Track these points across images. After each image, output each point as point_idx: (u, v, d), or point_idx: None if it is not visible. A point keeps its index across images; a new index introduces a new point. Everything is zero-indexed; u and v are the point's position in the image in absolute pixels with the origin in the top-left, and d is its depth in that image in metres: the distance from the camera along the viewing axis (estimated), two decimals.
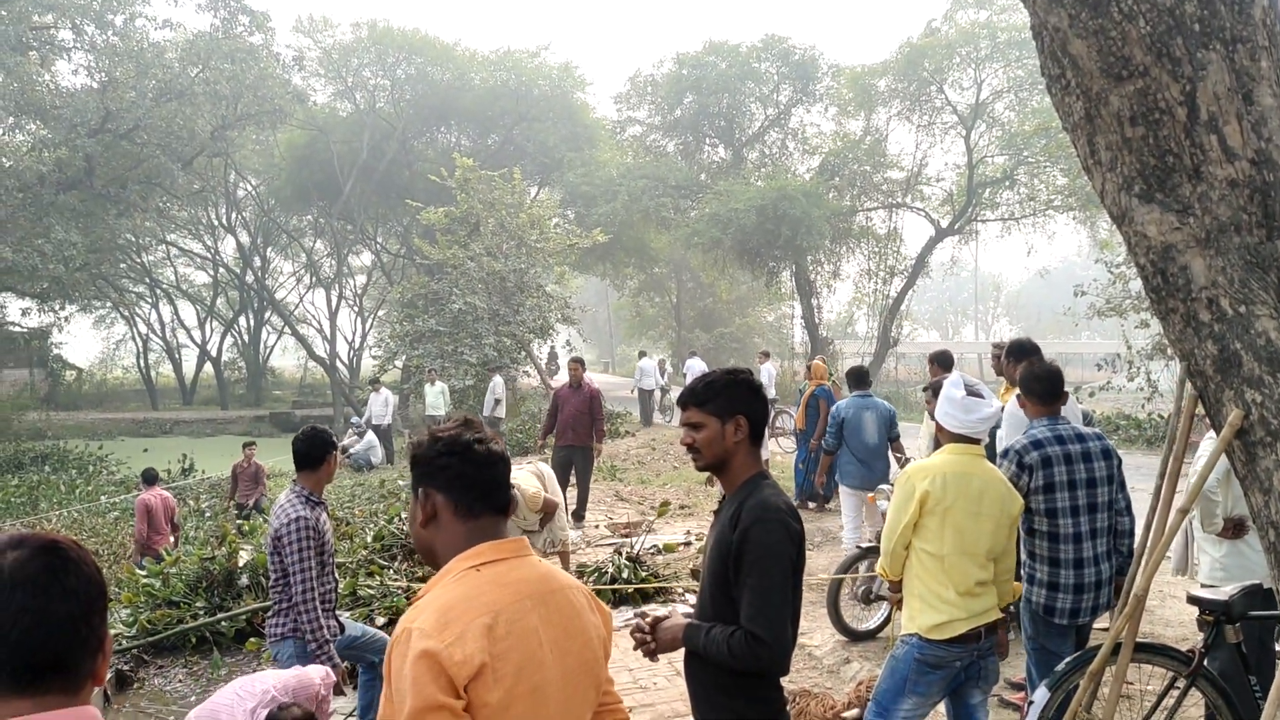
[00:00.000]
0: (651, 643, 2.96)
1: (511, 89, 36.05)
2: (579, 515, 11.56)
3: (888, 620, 7.37)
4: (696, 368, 24.63)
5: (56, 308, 34.23)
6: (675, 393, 26.22)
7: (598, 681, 2.32)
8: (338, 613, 5.69)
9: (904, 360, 43.19)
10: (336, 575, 5.86)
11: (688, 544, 10.49)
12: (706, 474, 10.65)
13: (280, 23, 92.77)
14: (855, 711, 5.55)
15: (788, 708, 2.93)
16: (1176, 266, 3.47)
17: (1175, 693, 4.01)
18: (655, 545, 9.87)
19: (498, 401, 21.05)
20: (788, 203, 28.10)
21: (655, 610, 3.00)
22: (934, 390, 7.81)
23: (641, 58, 74.70)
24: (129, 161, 27.59)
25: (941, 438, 4.14)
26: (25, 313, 35.10)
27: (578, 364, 12.39)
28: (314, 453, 5.38)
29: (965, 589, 3.92)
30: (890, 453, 8.94)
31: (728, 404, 2.91)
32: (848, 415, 8.91)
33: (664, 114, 35.80)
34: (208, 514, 16.46)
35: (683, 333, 45.51)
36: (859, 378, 9.43)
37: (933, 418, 7.77)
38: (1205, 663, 3.92)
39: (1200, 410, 3.60)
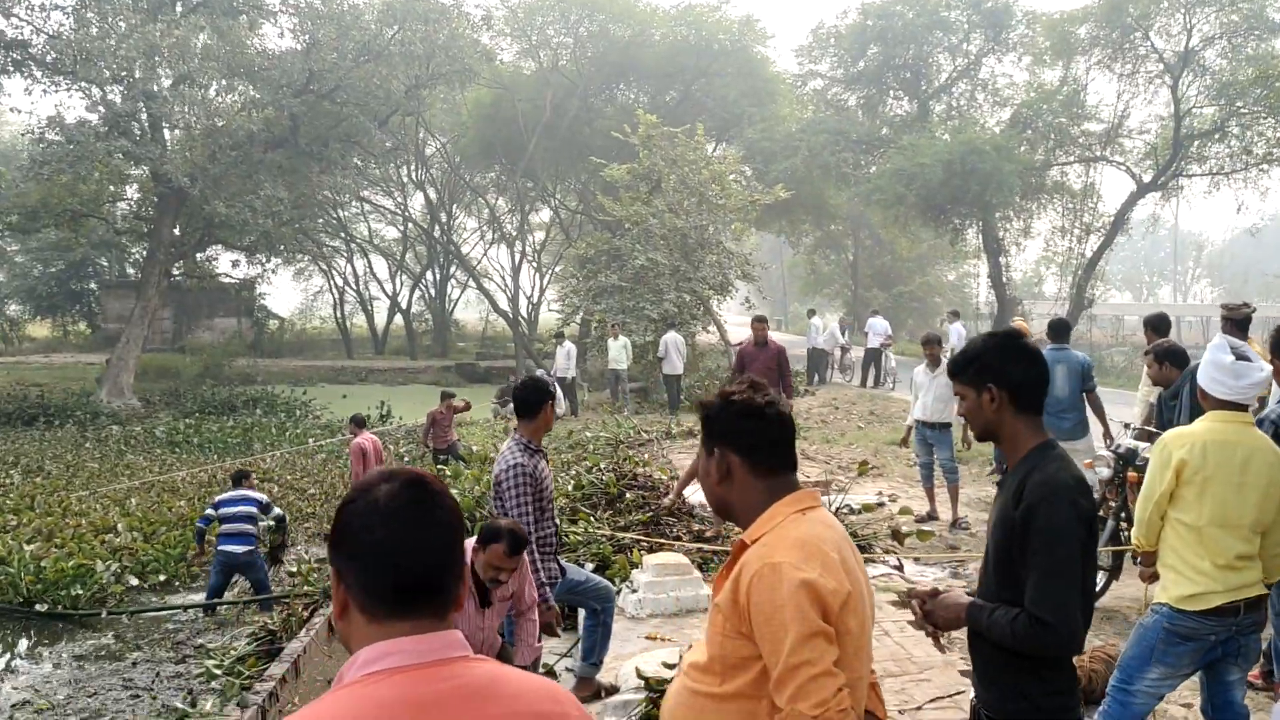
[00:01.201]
0: (931, 619, 2.88)
1: (691, 44, 35.91)
2: None
3: (1104, 590, 7.14)
4: (879, 327, 24.21)
5: (263, 260, 36.37)
6: (857, 352, 25.91)
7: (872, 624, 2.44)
8: (559, 558, 5.91)
9: (1097, 322, 41.24)
10: (556, 522, 6.07)
11: (882, 504, 10.40)
12: (903, 435, 10.58)
13: None
14: (1081, 679, 5.41)
15: None
16: None
17: None
18: (849, 505, 9.82)
19: (661, 359, 21.23)
20: (976, 157, 27.09)
21: (920, 587, 2.94)
22: (1156, 354, 7.47)
23: (825, 9, 73.04)
24: (330, 120, 28.85)
25: (1205, 404, 3.96)
26: (235, 264, 37.44)
27: (762, 322, 12.38)
28: (532, 400, 5.58)
29: (1224, 562, 3.76)
30: (1087, 407, 8.72)
31: (979, 373, 2.79)
32: None
33: (846, 66, 34.99)
34: (406, 459, 17.26)
35: (859, 291, 44.72)
36: (1058, 329, 9.19)
37: (1154, 382, 7.49)
38: None
39: None
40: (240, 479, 10.17)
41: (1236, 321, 6.73)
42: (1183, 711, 5.24)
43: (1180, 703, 5.22)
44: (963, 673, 5.59)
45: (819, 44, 35.37)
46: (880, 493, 11.20)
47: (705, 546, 8.37)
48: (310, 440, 19.75)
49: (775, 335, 27.23)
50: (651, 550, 8.09)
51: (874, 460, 13.21)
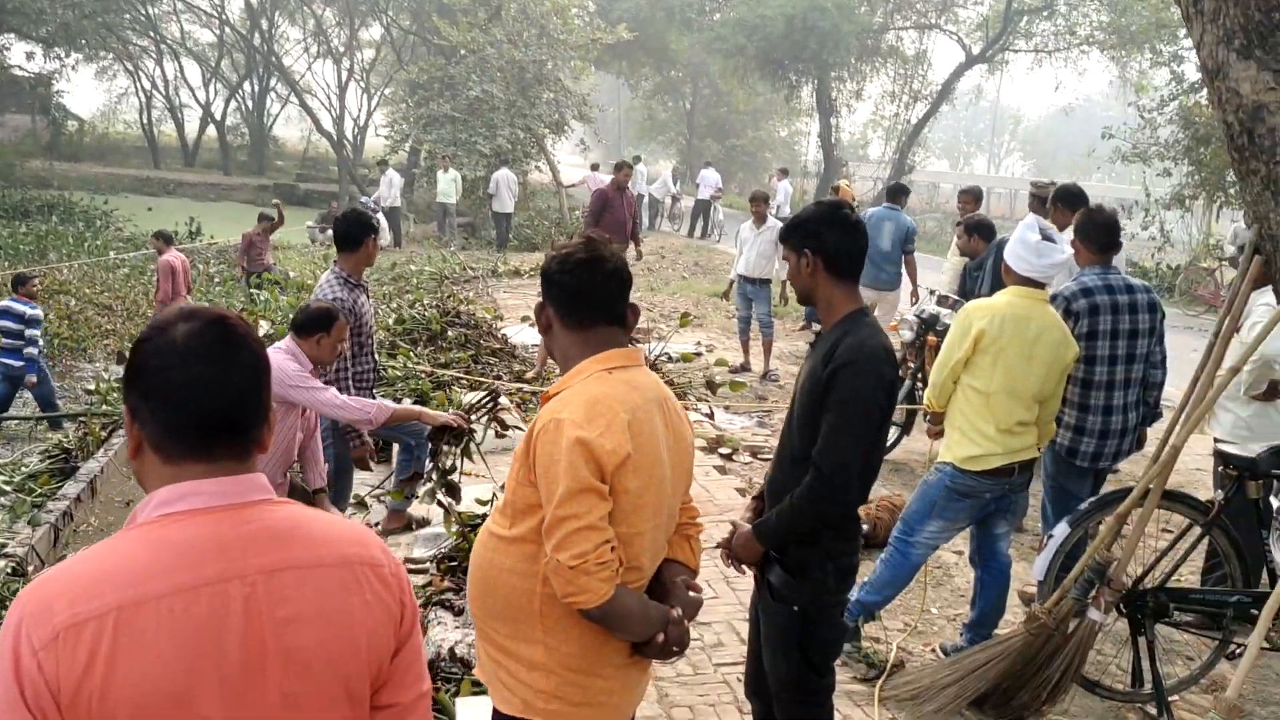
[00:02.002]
0: (734, 558, 3.12)
1: None
2: None
3: (895, 443, 7.61)
4: (710, 179, 24.39)
5: (61, 54, 33.25)
6: (687, 201, 26.03)
7: (689, 483, 2.55)
8: (375, 393, 5.85)
9: (915, 189, 42.62)
10: (375, 357, 5.99)
11: (699, 354, 10.68)
12: (725, 288, 10.82)
13: None
14: (864, 527, 5.81)
15: None
16: (1265, 127, 3.44)
17: (1188, 539, 4.20)
18: (669, 354, 10.04)
19: (491, 196, 20.87)
20: (818, 14, 27.12)
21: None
22: (966, 226, 7.82)
23: None
24: None
25: (1008, 279, 4.19)
26: (30, 57, 34.07)
27: (629, 167, 12.23)
28: (353, 233, 5.43)
29: (1006, 427, 4.06)
30: (903, 263, 9.69)
31: (799, 239, 2.95)
32: (870, 221, 9.54)
33: None
34: (217, 280, 16.55)
35: (694, 141, 44.64)
36: (894, 192, 10.20)
37: (961, 253, 7.87)
38: (1223, 515, 4.10)
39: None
40: (16, 284, 9.56)
41: (1042, 199, 7.08)
42: (954, 558, 5.71)
43: (952, 550, 5.69)
44: None
45: None
46: (699, 343, 11.49)
47: (526, 387, 8.44)
48: (112, 253, 18.62)
49: (606, 178, 27.19)
50: (471, 388, 8.11)
51: (695, 311, 13.49)
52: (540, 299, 2.43)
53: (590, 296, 2.35)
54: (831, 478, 2.79)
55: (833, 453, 2.79)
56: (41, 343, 9.71)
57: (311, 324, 4.59)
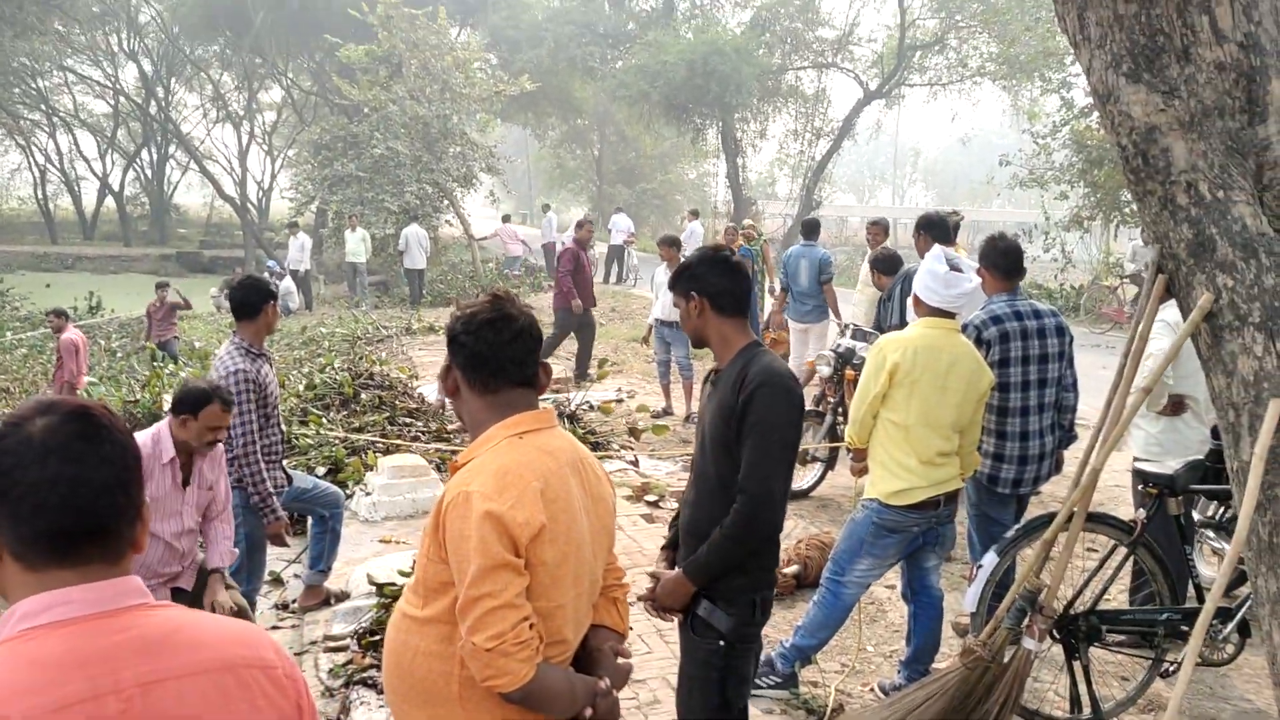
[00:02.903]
0: (661, 608, 3.08)
1: None
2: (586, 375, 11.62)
3: (820, 480, 7.59)
4: (621, 224, 24.46)
5: None
6: (600, 247, 26.12)
7: (612, 544, 2.46)
8: (284, 464, 5.64)
9: (824, 224, 43.34)
10: (282, 428, 5.78)
11: (620, 401, 10.60)
12: (644, 333, 10.80)
13: None
14: (795, 568, 5.75)
15: None
16: (1158, 149, 3.49)
17: (1114, 560, 4.21)
18: (589, 402, 9.95)
19: (401, 253, 20.67)
20: (718, 58, 27.53)
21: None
22: (871, 263, 7.90)
23: None
24: None
25: (918, 311, 4.19)
26: None
27: (589, 224, 12.38)
28: (251, 301, 5.23)
29: (927, 458, 4.04)
30: (823, 295, 9.96)
31: (685, 284, 3.06)
32: (788, 260, 10.11)
33: None
34: (119, 354, 16.05)
35: (604, 187, 44.90)
36: (808, 228, 10.52)
37: (877, 287, 7.92)
38: (1146, 533, 4.11)
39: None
40: None
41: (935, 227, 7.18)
42: (887, 593, 5.67)
43: (884, 585, 5.64)
44: None
45: None
46: (620, 389, 11.41)
47: (444, 447, 8.26)
48: (9, 334, 17.96)
49: (520, 230, 27.16)
50: (388, 452, 7.91)
51: (614, 357, 13.43)
52: (446, 362, 2.33)
53: (497, 358, 2.25)
54: (760, 499, 2.83)
55: (758, 474, 2.83)
56: None
57: (179, 403, 4.25)
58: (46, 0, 26.78)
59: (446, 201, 24.55)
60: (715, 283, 3.01)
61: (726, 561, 2.90)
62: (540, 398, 2.35)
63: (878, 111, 35.94)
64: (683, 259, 9.96)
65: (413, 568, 5.13)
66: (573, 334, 11.80)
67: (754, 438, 2.83)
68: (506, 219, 26.26)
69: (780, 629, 5.12)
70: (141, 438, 4.18)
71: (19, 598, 1.33)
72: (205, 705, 1.35)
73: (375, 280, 22.94)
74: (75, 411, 1.39)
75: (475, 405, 2.28)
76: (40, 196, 41.34)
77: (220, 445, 4.48)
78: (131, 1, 35.06)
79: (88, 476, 1.35)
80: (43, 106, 38.56)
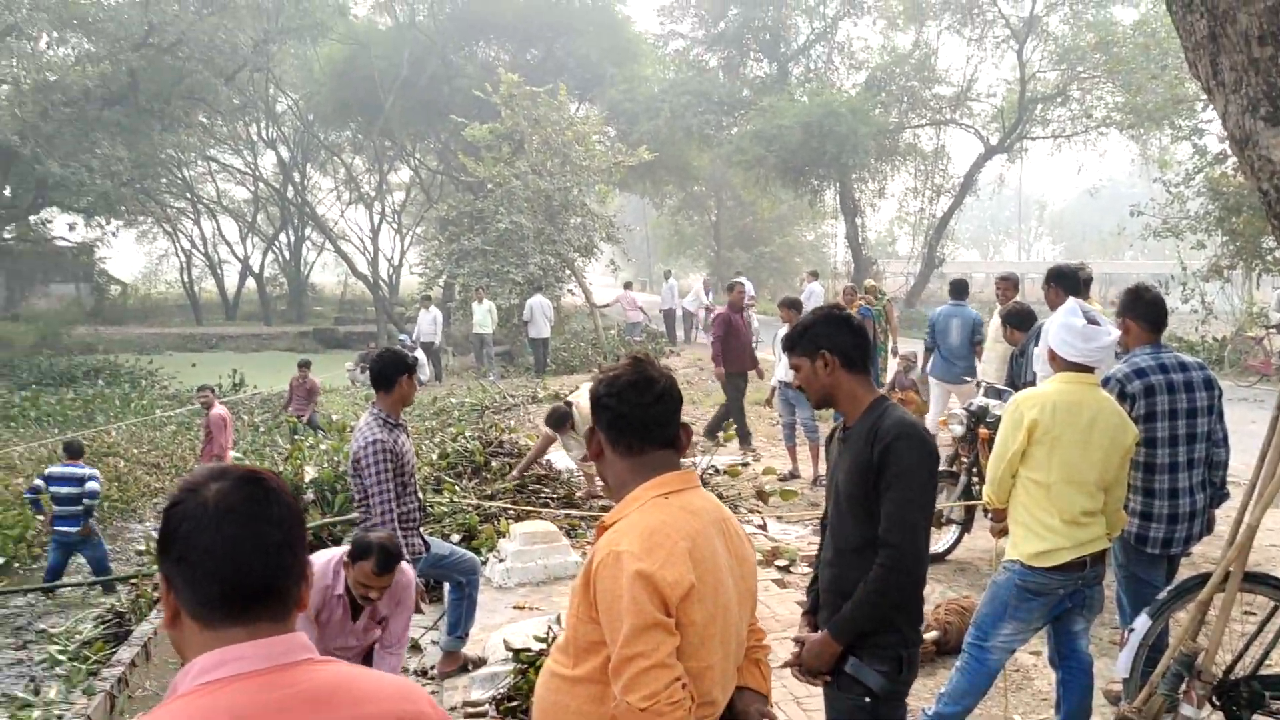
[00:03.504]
0: (808, 671, 3.04)
1: (551, 1, 35.43)
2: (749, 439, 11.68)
3: (957, 543, 7.40)
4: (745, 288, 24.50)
5: (102, 222, 34.50)
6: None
7: (754, 604, 2.47)
8: (422, 532, 5.78)
9: (947, 280, 42.64)
10: (420, 496, 5.94)
11: (746, 464, 10.55)
12: (767, 395, 10.73)
13: None
14: (935, 634, 5.59)
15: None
16: None
17: (1276, 622, 4.00)
18: (715, 466, 9.93)
19: (526, 323, 21.11)
20: (833, 119, 27.62)
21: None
22: (1003, 318, 7.75)
23: None
24: (172, 76, 27.47)
25: (1054, 366, 4.09)
26: (72, 227, 35.40)
27: (741, 286, 12.23)
28: (388, 374, 5.40)
29: (1070, 518, 3.91)
30: (973, 356, 9.96)
31: (811, 342, 3.06)
32: (937, 320, 10.15)
33: (708, 27, 35.14)
34: (261, 429, 16.72)
35: (722, 252, 45.20)
36: (958, 288, 10.52)
37: (1009, 343, 7.75)
38: None
39: None
40: (72, 452, 9.69)
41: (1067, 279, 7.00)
42: (1032, 660, 5.47)
43: (1029, 651, 5.45)
44: None
45: (680, 4, 35.39)
46: (745, 453, 11.37)
47: (574, 513, 8.34)
48: (158, 411, 18.92)
49: (640, 296, 27.46)
50: (519, 519, 8.03)
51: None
52: (590, 425, 2.39)
53: (641, 420, 2.30)
54: (905, 551, 2.82)
55: (901, 526, 2.82)
56: (97, 499, 9.76)
57: (350, 548, 4.34)
58: (191, 95, 28.50)
59: (568, 271, 25.05)
60: (843, 339, 3.03)
61: (872, 617, 2.88)
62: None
63: (1000, 165, 35.48)
64: None
65: (548, 633, 5.20)
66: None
67: (894, 490, 2.82)
68: (628, 286, 26.61)
69: (921, 697, 4.99)
70: (319, 562, 4.34)
71: (195, 654, 1.41)
72: None
73: (501, 350, 23.46)
74: (246, 477, 1.48)
75: (620, 467, 2.33)
76: (186, 280, 43.70)
77: (410, 584, 4.57)
78: (269, 92, 37.09)
79: (259, 538, 1.43)
80: (188, 195, 40.94)
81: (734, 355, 11.30)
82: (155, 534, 10.04)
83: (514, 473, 9.36)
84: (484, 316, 21.49)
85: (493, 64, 33.49)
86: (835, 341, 3.02)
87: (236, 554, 1.41)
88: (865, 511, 2.90)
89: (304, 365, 16.03)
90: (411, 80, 34.67)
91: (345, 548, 4.45)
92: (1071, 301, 4.19)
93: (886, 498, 2.83)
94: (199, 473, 1.50)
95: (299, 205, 41.32)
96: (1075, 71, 29.17)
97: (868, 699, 2.90)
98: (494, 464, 9.64)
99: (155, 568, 8.47)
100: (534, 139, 24.29)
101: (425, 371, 21.44)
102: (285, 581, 1.46)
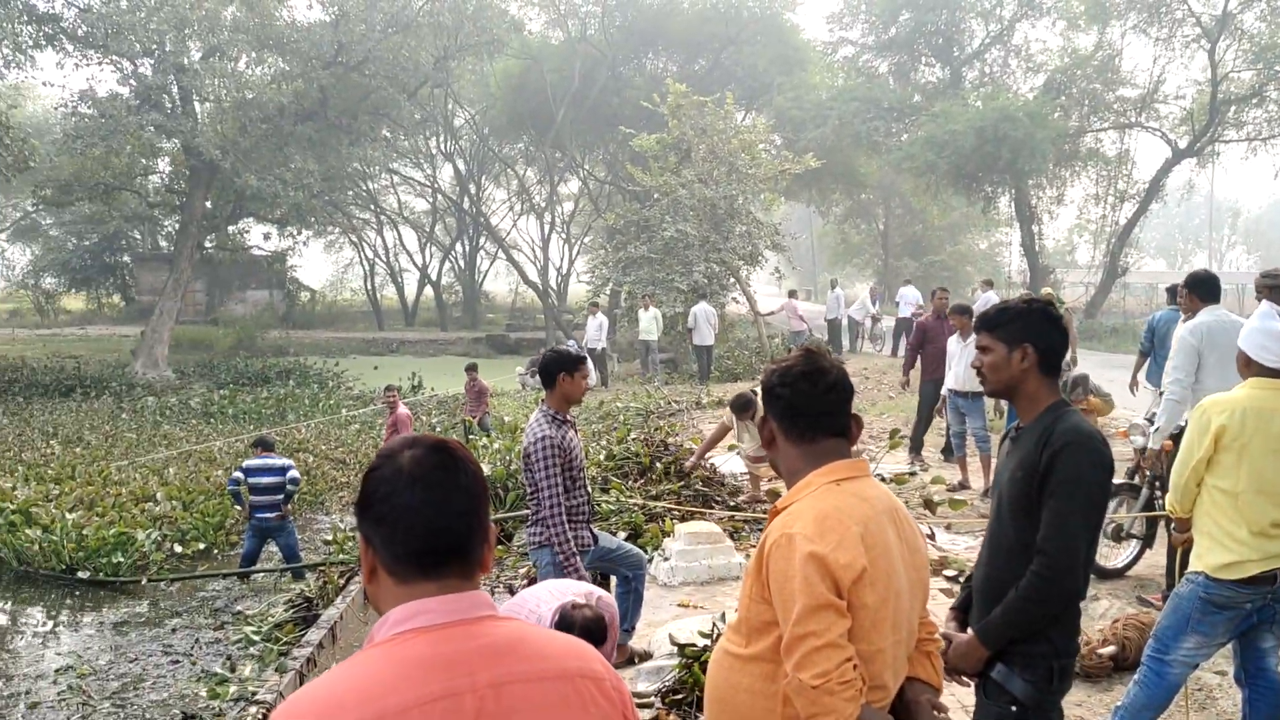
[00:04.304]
0: (952, 670, 2.97)
1: (720, 11, 35.62)
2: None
3: (1137, 558, 7.12)
4: (910, 296, 24.08)
5: (294, 233, 36.60)
6: (887, 321, 25.75)
7: (927, 597, 2.48)
8: (592, 526, 5.94)
9: (1131, 290, 40.78)
10: (589, 490, 6.10)
11: (914, 473, 10.39)
12: (937, 404, 10.49)
13: None
14: (1111, 649, 5.41)
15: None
16: None
17: None
18: (881, 475, 9.81)
19: (691, 330, 21.24)
20: (1009, 124, 26.81)
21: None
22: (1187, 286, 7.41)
23: None
24: (359, 93, 28.87)
25: (1246, 371, 3.92)
26: (266, 237, 37.75)
27: (944, 293, 11.90)
28: (551, 370, 5.58)
29: (1259, 529, 3.75)
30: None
31: (1017, 331, 2.90)
32: (1157, 324, 9.36)
33: (878, 33, 34.66)
34: (438, 429, 17.38)
35: (890, 260, 44.45)
36: (1174, 292, 9.21)
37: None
38: None
39: None
40: (264, 445, 10.29)
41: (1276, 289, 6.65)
42: (1216, 679, 5.23)
43: (1214, 670, 5.21)
44: None
45: (850, 10, 35.03)
46: (912, 461, 11.19)
47: (737, 515, 8.40)
48: (343, 411, 19.92)
49: (804, 305, 27.29)
50: (683, 519, 8.14)
51: (905, 429, 13.16)
52: (763, 414, 2.44)
53: (813, 409, 2.36)
54: (1060, 562, 2.72)
55: (1061, 536, 2.72)
56: (298, 485, 10.34)
57: None
58: (376, 110, 29.89)
59: (733, 279, 25.11)
60: (1050, 339, 2.91)
61: (1022, 625, 2.80)
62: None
63: (1189, 171, 33.66)
64: None
65: (713, 630, 5.28)
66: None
67: (1057, 498, 2.74)
68: (792, 294, 26.45)
69: (1097, 712, 4.84)
70: (528, 606, 4.46)
71: (389, 607, 1.55)
72: (547, 708, 1.51)
73: (665, 357, 23.69)
74: (436, 445, 1.61)
75: (792, 454, 2.39)
76: (369, 288, 45.82)
77: (613, 643, 4.66)
78: (448, 107, 38.53)
79: (448, 501, 1.56)
80: (372, 206, 42.93)
81: (928, 362, 11.10)
82: (340, 525, 10.59)
83: (693, 458, 9.57)
84: (649, 323, 21.75)
85: (661, 75, 33.90)
86: (1041, 338, 2.89)
87: (428, 514, 1.54)
88: (1026, 515, 2.82)
89: (471, 369, 16.58)
90: (582, 93, 35.45)
91: (552, 604, 4.47)
92: (1267, 305, 4.01)
93: (1049, 505, 2.75)
94: (394, 442, 1.65)
95: (474, 216, 42.79)
96: (1273, 71, 27.46)
97: (1014, 708, 2.82)
98: (659, 465, 9.79)
99: (341, 557, 8.99)
100: (700, 148, 24.47)
101: (592, 376, 21.81)
102: (471, 541, 1.58)
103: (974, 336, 9.28)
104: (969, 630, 2.98)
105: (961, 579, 7.12)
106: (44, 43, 24.59)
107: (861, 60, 35.90)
